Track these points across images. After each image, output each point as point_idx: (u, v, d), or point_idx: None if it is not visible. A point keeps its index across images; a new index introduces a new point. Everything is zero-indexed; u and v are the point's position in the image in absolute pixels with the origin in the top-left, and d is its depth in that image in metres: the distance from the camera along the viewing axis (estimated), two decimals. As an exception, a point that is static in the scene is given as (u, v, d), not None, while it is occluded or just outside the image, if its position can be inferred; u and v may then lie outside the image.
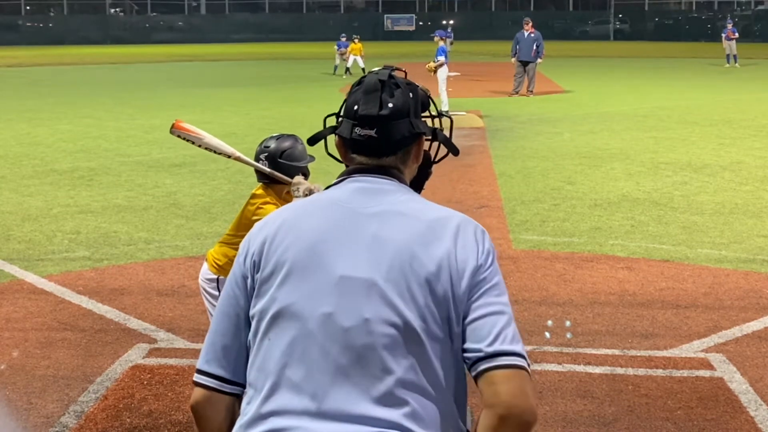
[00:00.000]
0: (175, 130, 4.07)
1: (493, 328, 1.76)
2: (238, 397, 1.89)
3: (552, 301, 6.24)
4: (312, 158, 4.33)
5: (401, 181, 1.95)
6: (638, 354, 5.28)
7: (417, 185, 2.06)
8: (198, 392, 1.90)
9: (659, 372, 5.02)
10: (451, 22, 48.03)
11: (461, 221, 1.86)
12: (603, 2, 63.70)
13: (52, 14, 63.42)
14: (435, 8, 67.80)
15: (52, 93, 23.55)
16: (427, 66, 17.32)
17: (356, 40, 29.49)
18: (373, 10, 66.24)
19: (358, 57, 29.17)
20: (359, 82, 1.98)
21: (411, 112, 1.94)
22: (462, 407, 1.86)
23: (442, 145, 2.08)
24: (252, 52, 43.97)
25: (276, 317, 1.80)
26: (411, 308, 1.75)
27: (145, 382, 4.91)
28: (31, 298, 6.41)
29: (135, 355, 5.32)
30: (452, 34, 38.31)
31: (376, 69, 2.01)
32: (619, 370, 5.04)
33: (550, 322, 5.81)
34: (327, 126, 2.06)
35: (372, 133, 1.90)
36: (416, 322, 1.75)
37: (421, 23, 63.31)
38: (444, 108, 16.34)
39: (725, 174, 11.04)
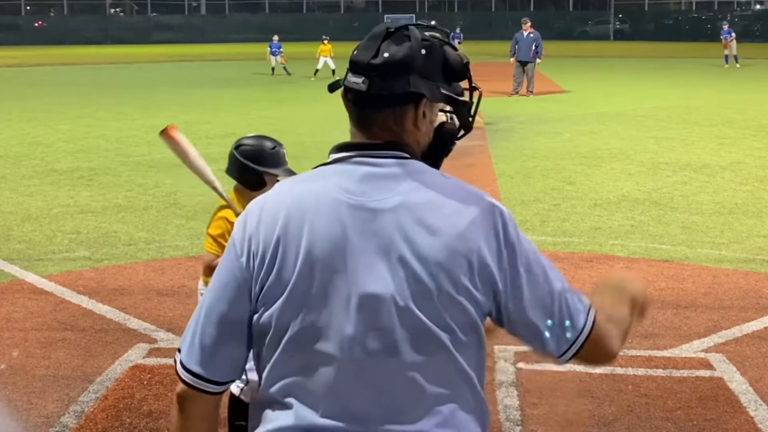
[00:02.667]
0: (164, 138, 3.66)
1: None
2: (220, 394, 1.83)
3: (552, 301, 6.23)
4: (290, 171, 3.89)
5: (406, 150, 1.72)
6: (638, 354, 5.28)
7: (433, 161, 1.80)
8: (186, 390, 1.83)
9: (659, 372, 5.02)
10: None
11: (482, 213, 1.69)
12: (603, 2, 63.68)
13: (52, 14, 63.41)
14: (435, 8, 67.76)
15: (52, 93, 23.55)
16: None
17: (325, 42, 27.95)
18: (373, 10, 66.23)
19: (328, 58, 27.64)
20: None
21: (415, 68, 1.68)
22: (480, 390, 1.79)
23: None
24: (252, 52, 43.95)
25: (294, 335, 1.68)
26: (439, 319, 1.65)
27: (145, 382, 4.91)
28: (31, 298, 6.41)
29: (135, 355, 5.32)
30: (461, 35, 38.52)
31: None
32: (619, 370, 5.04)
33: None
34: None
35: (359, 81, 1.69)
36: (445, 336, 1.66)
37: (420, 23, 63.25)
38: None
39: (725, 174, 11.04)
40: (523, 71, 22.32)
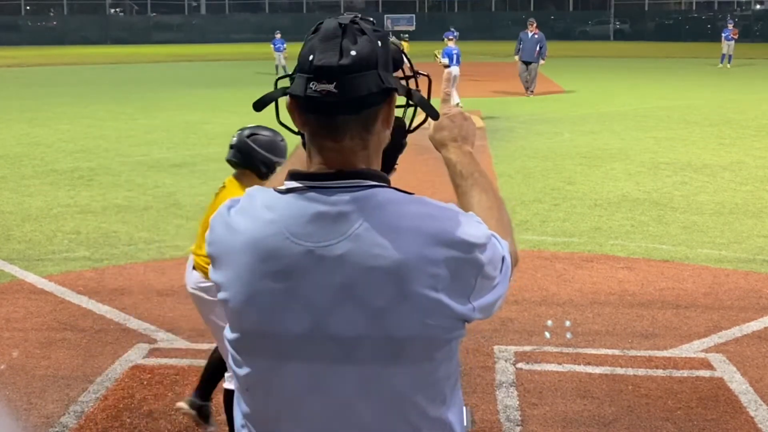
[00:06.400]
0: None
1: None
2: None
3: (552, 301, 6.24)
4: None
5: (367, 174, 1.58)
6: (638, 354, 5.28)
7: (388, 162, 1.69)
8: None
9: (659, 372, 5.02)
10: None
11: (445, 258, 1.53)
12: (603, 2, 63.66)
13: (52, 14, 63.42)
14: (435, 8, 67.77)
15: (52, 93, 23.54)
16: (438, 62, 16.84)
17: None
18: (373, 10, 66.19)
19: None
20: (315, 29, 1.59)
21: (380, 63, 1.55)
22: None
23: (417, 111, 1.69)
24: (252, 52, 43.94)
25: (247, 374, 1.63)
26: (389, 365, 1.55)
27: (145, 382, 4.91)
28: (31, 298, 6.41)
29: (135, 355, 5.32)
30: (457, 34, 38.53)
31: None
32: (619, 370, 5.04)
33: (550, 322, 5.81)
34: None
35: (331, 87, 1.51)
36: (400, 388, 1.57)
37: (421, 23, 63.34)
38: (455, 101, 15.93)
39: (725, 174, 11.04)
40: (527, 71, 22.36)
